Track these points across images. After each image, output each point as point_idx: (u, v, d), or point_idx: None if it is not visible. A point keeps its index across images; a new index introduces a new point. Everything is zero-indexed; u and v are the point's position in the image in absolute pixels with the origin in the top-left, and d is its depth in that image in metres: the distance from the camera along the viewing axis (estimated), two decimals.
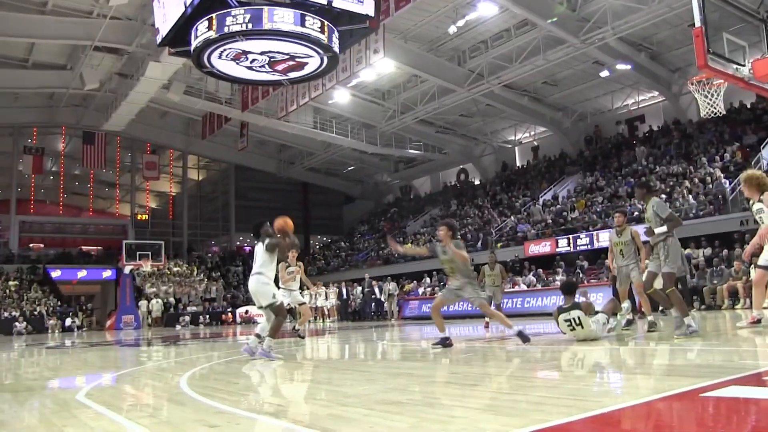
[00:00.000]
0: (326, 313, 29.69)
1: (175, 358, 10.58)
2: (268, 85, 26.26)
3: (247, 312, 34.50)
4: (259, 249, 8.83)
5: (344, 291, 30.03)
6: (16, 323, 31.40)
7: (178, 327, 31.55)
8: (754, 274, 16.98)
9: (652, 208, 8.44)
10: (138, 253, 34.98)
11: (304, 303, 14.35)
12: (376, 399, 4.75)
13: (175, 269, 40.75)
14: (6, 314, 32.41)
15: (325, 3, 15.09)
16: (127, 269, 34.25)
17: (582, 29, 24.60)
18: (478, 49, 29.02)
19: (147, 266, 35.03)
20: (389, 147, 39.26)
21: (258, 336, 8.86)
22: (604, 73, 29.82)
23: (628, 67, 28.02)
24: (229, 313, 35.70)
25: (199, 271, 42.19)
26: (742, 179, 9.05)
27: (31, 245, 42.90)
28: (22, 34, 27.32)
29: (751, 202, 9.11)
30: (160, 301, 34.85)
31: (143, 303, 34.17)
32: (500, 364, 7.19)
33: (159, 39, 17.90)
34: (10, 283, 36.57)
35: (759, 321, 8.93)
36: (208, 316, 35.24)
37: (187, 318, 33.95)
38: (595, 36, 24.64)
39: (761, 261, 8.76)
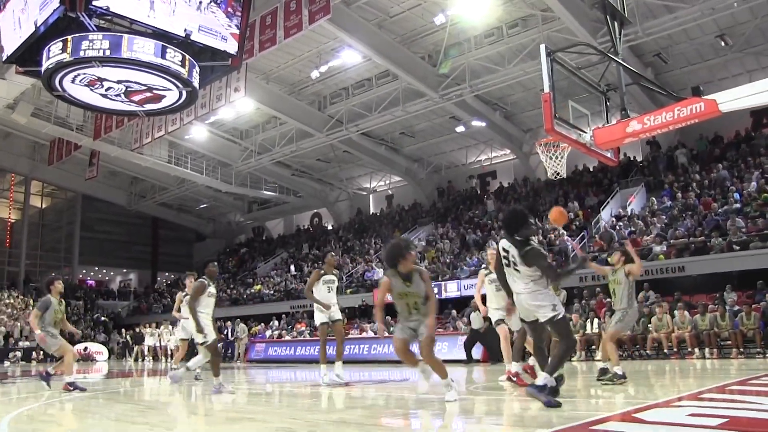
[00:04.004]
0: (170, 352, 28.58)
1: None
2: (122, 115, 25.27)
3: (86, 349, 32.58)
4: None
5: None
6: None
7: (6, 363, 29.25)
8: (589, 328, 17.97)
9: None
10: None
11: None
12: None
13: (7, 300, 37.88)
14: None
15: (183, 36, 14.78)
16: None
17: (441, 84, 25.50)
18: (339, 95, 29.34)
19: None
20: (244, 187, 38.78)
21: (188, 368, 9.69)
22: (460, 129, 30.88)
23: (483, 124, 29.24)
24: None
25: (36, 303, 39.28)
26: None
27: None
28: None
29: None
30: None
31: None
32: (343, 411, 7.12)
33: (5, 56, 16.85)
34: None
35: (516, 375, 9.24)
36: (42, 352, 32.86)
37: (18, 354, 31.48)
38: (453, 92, 25.59)
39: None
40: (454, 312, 23.12)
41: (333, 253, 11.35)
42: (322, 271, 10.43)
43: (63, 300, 11.20)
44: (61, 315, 10.88)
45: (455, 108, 27.65)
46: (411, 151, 35.03)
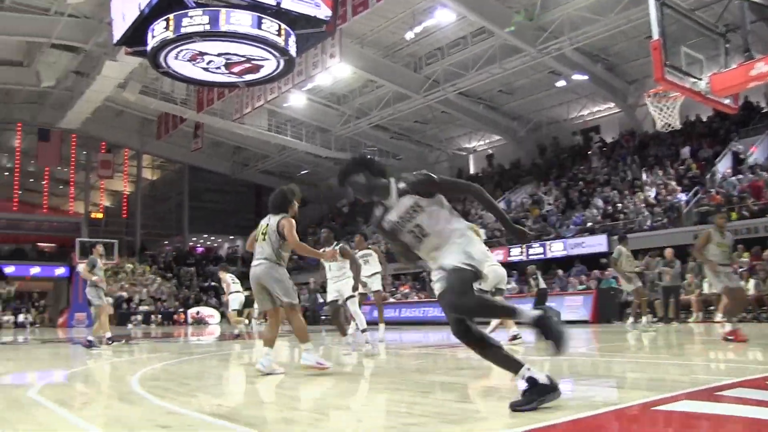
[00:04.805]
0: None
1: (126, 357, 10.39)
2: (223, 87, 25.98)
3: (198, 313, 34.25)
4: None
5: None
6: None
7: (129, 326, 30.97)
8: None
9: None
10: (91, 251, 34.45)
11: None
12: (327, 403, 4.74)
13: (127, 267, 40.01)
14: None
15: (274, 4, 14.91)
16: (80, 267, 33.67)
17: (539, 39, 24.71)
18: (435, 56, 28.97)
19: (100, 264, 34.57)
20: (344, 151, 38.96)
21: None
22: (560, 83, 30.04)
23: (584, 77, 28.27)
24: (181, 314, 35.34)
25: (151, 270, 41.62)
26: None
27: None
28: None
29: None
30: (111, 299, 34.20)
31: None
32: (450, 372, 7.04)
33: (116, 38, 17.59)
34: None
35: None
36: (160, 316, 34.83)
37: (139, 317, 33.58)
38: (552, 46, 24.78)
39: None
40: (560, 271, 22.67)
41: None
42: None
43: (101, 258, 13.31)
44: (102, 273, 12.85)
45: (554, 62, 26.76)
46: (510, 109, 34.32)
